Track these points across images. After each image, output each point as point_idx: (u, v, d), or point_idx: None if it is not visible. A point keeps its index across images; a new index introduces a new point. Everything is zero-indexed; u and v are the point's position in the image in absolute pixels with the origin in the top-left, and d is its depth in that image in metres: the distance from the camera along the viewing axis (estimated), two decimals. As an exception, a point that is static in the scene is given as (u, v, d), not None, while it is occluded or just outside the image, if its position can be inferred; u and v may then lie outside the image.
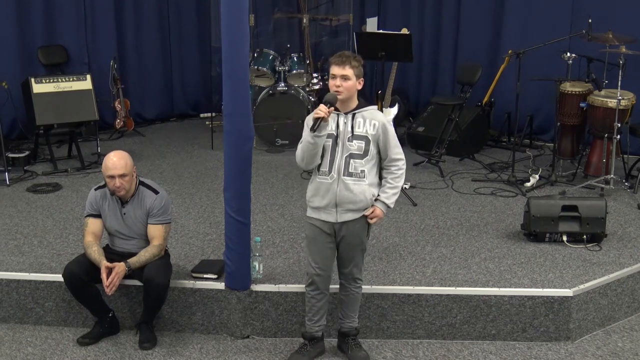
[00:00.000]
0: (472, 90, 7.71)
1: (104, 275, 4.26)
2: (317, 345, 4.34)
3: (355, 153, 3.96)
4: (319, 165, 4.01)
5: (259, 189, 6.38)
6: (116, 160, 4.36)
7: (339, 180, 3.97)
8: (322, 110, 3.82)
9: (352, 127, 3.96)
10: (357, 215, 4.04)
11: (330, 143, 3.97)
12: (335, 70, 3.92)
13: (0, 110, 6.80)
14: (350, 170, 3.96)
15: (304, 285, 4.56)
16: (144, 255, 4.41)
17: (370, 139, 3.97)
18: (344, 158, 3.96)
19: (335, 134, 3.97)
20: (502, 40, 8.08)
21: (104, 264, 4.30)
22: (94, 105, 7.17)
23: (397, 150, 4.05)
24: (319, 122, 3.83)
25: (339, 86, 3.91)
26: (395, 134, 4.06)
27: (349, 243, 4.10)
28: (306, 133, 3.94)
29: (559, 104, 6.84)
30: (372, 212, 4.04)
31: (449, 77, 8.68)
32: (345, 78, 3.91)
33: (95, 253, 4.39)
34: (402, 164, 4.07)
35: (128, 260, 4.36)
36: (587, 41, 6.76)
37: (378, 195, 4.05)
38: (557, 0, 7.71)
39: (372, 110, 4.02)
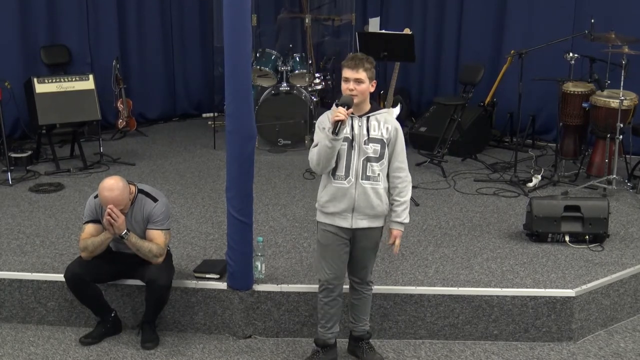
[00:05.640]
0: (475, 91, 7.72)
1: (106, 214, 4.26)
2: (330, 352, 4.28)
3: (372, 156, 3.92)
4: (334, 170, 3.95)
5: (261, 189, 6.38)
6: (112, 198, 4.25)
7: (357, 185, 3.93)
8: (341, 112, 3.77)
9: (368, 130, 3.93)
10: (373, 224, 4.00)
11: (345, 146, 3.92)
12: (348, 73, 3.87)
13: (2, 110, 6.80)
14: (368, 174, 3.93)
15: (306, 285, 4.58)
16: (143, 242, 4.38)
17: (385, 142, 3.94)
18: (361, 161, 3.92)
19: (350, 137, 3.92)
20: (505, 40, 8.08)
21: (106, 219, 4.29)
22: (97, 105, 7.17)
23: (401, 158, 4.00)
24: (339, 125, 3.78)
25: (352, 90, 3.87)
26: (404, 142, 4.03)
27: (364, 249, 4.07)
28: (319, 137, 3.89)
29: (562, 104, 6.83)
30: (392, 237, 4.04)
31: (451, 77, 8.68)
32: (358, 81, 3.86)
33: (96, 237, 4.37)
34: (405, 175, 4.01)
35: (129, 231, 4.35)
36: (590, 41, 6.75)
37: (390, 216, 4.04)
38: (560, 1, 7.70)
39: (385, 114, 3.99)
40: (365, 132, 3.93)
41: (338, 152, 3.91)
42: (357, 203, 3.94)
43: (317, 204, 4.08)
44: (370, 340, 4.35)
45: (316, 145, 3.91)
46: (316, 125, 3.99)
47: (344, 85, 3.90)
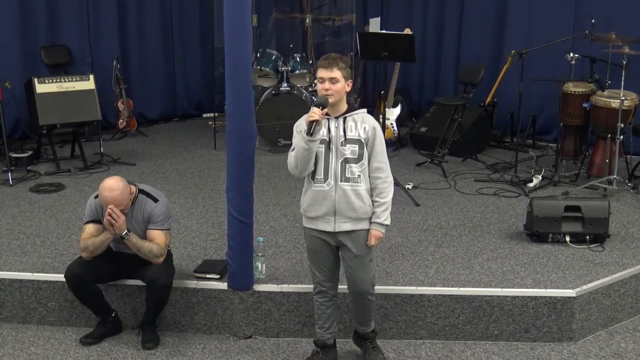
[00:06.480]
0: (475, 91, 7.72)
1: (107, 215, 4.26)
2: (330, 352, 4.27)
3: (350, 157, 3.88)
4: (313, 173, 3.92)
5: (261, 189, 6.38)
6: (112, 198, 4.24)
7: (336, 187, 3.88)
8: (316, 113, 3.73)
9: (345, 131, 3.88)
10: (356, 226, 3.94)
11: (323, 149, 3.88)
12: (322, 73, 3.84)
13: (3, 110, 6.80)
14: (347, 176, 3.88)
15: (306, 285, 4.58)
16: (143, 242, 4.38)
17: (363, 142, 3.89)
18: (339, 163, 3.88)
19: (327, 139, 3.88)
20: (505, 40, 8.07)
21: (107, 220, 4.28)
22: (97, 105, 7.17)
23: (381, 158, 3.92)
24: (314, 125, 3.74)
25: (328, 89, 3.82)
26: (383, 142, 3.96)
27: (354, 257, 3.99)
28: (297, 139, 3.85)
29: (562, 105, 6.83)
30: (370, 237, 3.94)
31: (451, 78, 8.67)
32: (333, 81, 3.82)
33: (96, 238, 4.37)
34: (386, 176, 3.93)
35: (130, 231, 4.35)
36: (590, 41, 6.74)
37: (371, 217, 3.96)
38: (560, 1, 7.70)
39: (362, 114, 3.94)
40: (342, 133, 3.88)
41: (316, 155, 3.86)
42: (338, 205, 3.90)
43: (301, 209, 4.06)
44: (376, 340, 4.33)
45: (294, 149, 3.89)
46: (294, 129, 3.93)
47: (319, 86, 3.87)
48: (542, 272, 4.86)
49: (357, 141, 3.89)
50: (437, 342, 4.60)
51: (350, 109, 3.95)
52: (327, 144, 3.89)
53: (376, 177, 3.94)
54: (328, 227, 3.95)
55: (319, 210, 3.94)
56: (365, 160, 3.91)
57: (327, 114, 3.86)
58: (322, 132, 3.86)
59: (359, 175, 3.90)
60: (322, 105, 3.79)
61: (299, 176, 3.96)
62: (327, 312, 4.17)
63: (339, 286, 4.22)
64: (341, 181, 3.89)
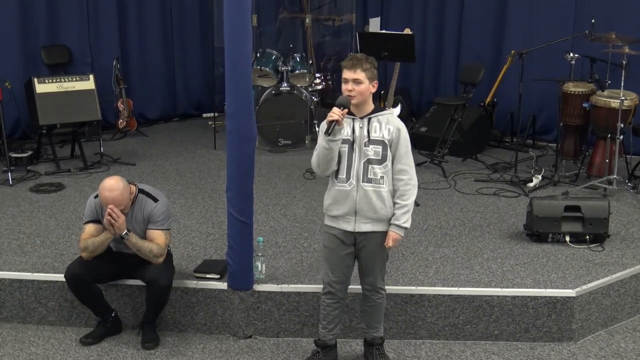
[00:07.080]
0: (475, 91, 7.72)
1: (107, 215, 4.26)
2: (330, 353, 4.26)
3: (373, 158, 3.86)
4: (336, 173, 3.91)
5: (261, 189, 6.38)
6: (112, 198, 4.24)
7: (358, 187, 3.87)
8: (335, 113, 3.72)
9: (369, 132, 3.86)
10: (376, 228, 3.93)
11: (347, 149, 3.87)
12: (346, 74, 3.83)
13: (3, 110, 6.80)
14: (369, 176, 3.86)
15: (306, 285, 4.59)
16: (143, 242, 4.38)
17: (387, 143, 3.86)
18: (362, 164, 3.87)
19: (351, 139, 3.87)
20: (505, 40, 8.08)
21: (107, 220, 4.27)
22: (97, 105, 7.17)
23: (405, 161, 3.89)
24: (333, 125, 3.74)
25: (351, 90, 3.81)
26: (408, 144, 3.91)
27: (370, 253, 3.99)
28: (321, 139, 3.85)
29: (562, 105, 6.84)
30: (388, 239, 3.92)
31: (451, 78, 8.68)
32: (357, 82, 3.81)
33: (96, 237, 4.37)
34: (409, 178, 3.90)
35: (130, 231, 4.35)
36: (590, 41, 6.75)
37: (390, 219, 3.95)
38: (560, 1, 7.71)
39: (388, 115, 3.92)
40: (365, 133, 3.87)
41: (339, 154, 3.87)
42: (359, 206, 3.90)
43: (323, 208, 4.06)
44: (384, 345, 4.31)
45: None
46: (320, 128, 3.93)
47: (343, 86, 3.86)
48: (542, 272, 4.86)
49: (381, 142, 3.87)
50: (437, 342, 4.60)
51: (377, 109, 3.93)
52: (351, 144, 3.88)
53: (399, 179, 3.91)
54: (348, 227, 3.95)
55: (340, 209, 3.94)
56: (389, 162, 3.89)
57: (352, 114, 3.86)
58: (347, 132, 3.86)
59: (381, 177, 3.88)
60: (344, 105, 3.78)
61: (321, 175, 3.97)
62: (333, 313, 4.17)
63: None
64: (363, 182, 3.88)
